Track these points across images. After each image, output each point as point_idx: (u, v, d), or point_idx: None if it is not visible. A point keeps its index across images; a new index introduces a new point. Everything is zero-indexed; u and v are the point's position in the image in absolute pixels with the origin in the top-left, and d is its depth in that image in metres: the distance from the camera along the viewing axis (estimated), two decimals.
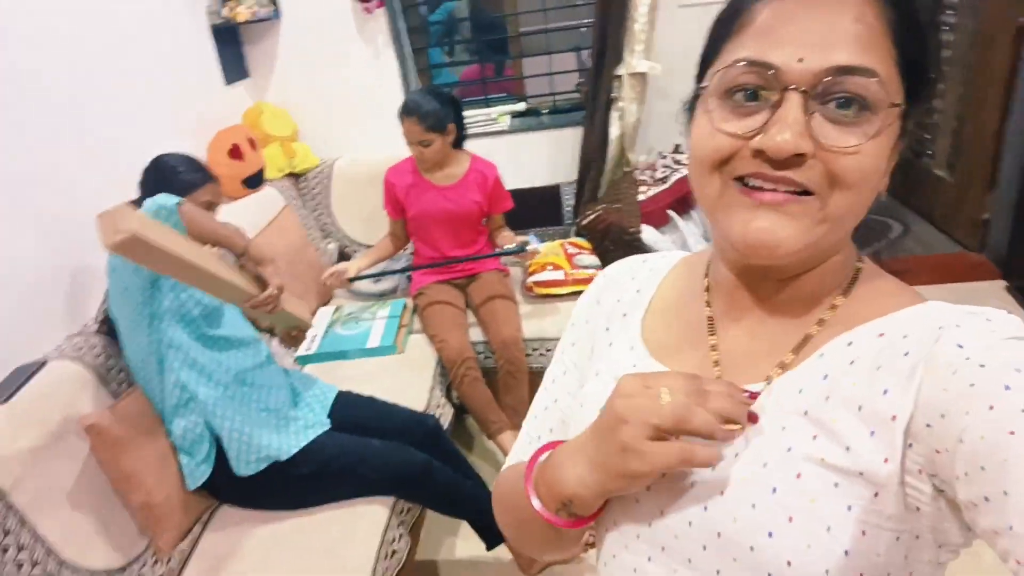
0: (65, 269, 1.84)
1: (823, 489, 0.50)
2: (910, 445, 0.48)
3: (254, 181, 2.69)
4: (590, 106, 2.77)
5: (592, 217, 2.70)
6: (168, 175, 1.79)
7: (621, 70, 2.69)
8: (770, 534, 0.51)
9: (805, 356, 0.56)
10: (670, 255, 0.76)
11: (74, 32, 2.01)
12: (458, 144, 2.46)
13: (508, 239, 2.47)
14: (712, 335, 0.64)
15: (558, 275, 2.54)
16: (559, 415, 0.75)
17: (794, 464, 0.52)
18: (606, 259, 2.67)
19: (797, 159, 0.50)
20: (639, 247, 2.61)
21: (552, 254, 2.63)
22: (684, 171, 2.66)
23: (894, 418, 0.49)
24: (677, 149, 2.76)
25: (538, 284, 2.53)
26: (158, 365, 1.67)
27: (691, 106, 0.60)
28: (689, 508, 0.57)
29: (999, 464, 0.42)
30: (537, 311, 2.49)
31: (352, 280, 2.48)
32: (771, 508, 0.52)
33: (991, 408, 0.43)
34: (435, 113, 2.28)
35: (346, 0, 2.85)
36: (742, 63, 0.52)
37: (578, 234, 2.82)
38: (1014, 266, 2.78)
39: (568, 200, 2.96)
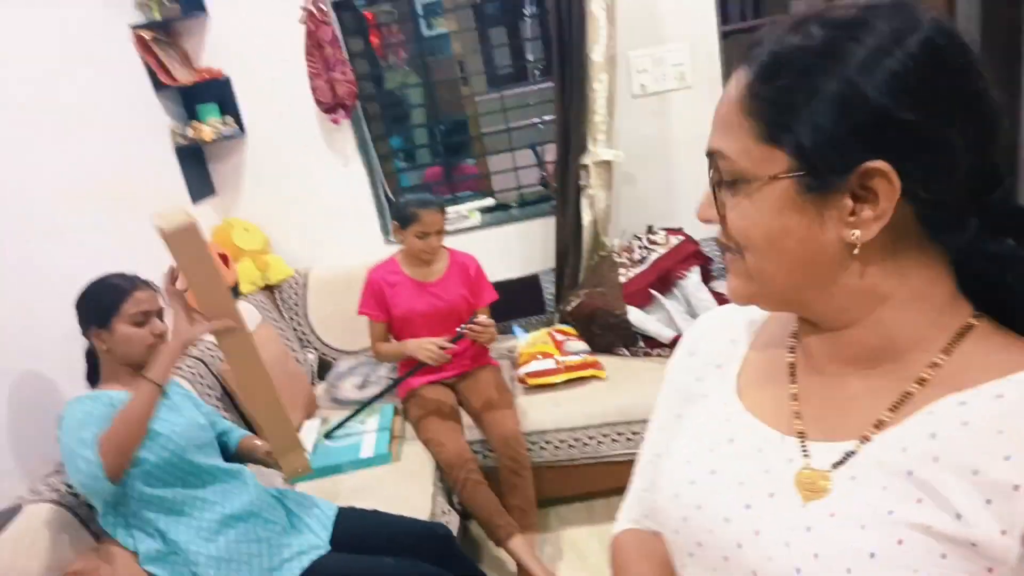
0: (36, 405, 1.72)
1: (928, 559, 0.48)
2: None
3: None
4: (560, 196, 2.82)
5: (576, 303, 2.69)
6: (85, 310, 1.63)
7: (586, 159, 2.77)
8: None
9: (908, 413, 0.54)
10: None
11: (43, 159, 1.98)
12: None
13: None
14: (793, 383, 0.64)
15: (549, 364, 2.49)
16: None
17: (895, 529, 0.50)
18: (594, 343, 2.65)
19: (720, 222, 0.58)
20: (626, 329, 2.60)
21: (540, 343, 2.59)
22: (661, 251, 2.70)
23: (1016, 488, 0.46)
24: (650, 230, 2.81)
25: (530, 375, 2.48)
26: (132, 518, 1.55)
27: None
28: (784, 570, 0.54)
29: None
30: (533, 404, 2.42)
31: (330, 433, 2.36)
32: (868, 575, 0.49)
33: None
34: (443, 200, 2.37)
35: (311, 114, 2.89)
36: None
37: (563, 321, 2.80)
38: None
39: (548, 288, 2.96)
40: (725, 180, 0.56)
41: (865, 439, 0.55)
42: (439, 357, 2.21)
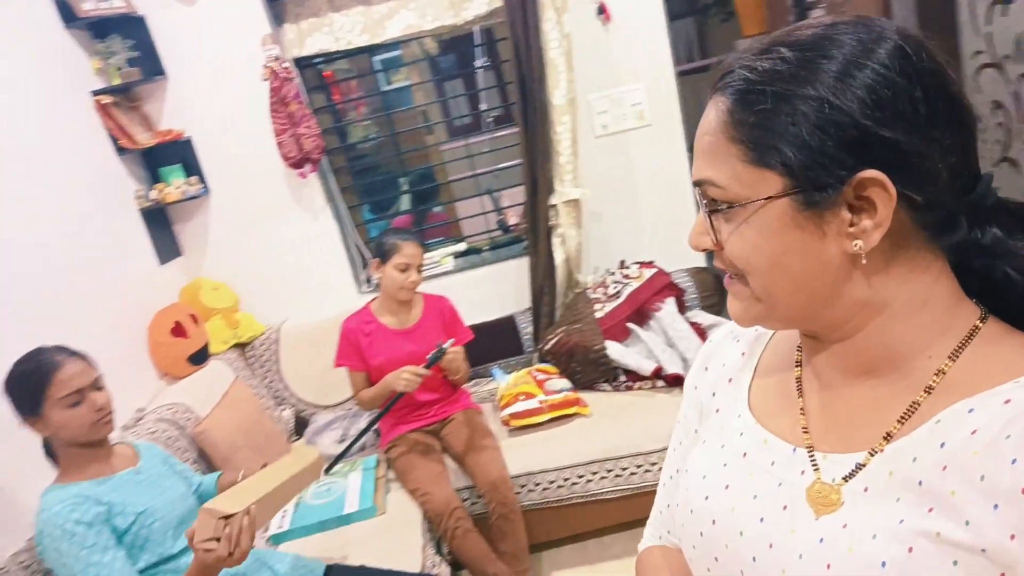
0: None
1: (938, 567, 0.48)
2: None
3: (199, 357, 2.56)
4: (532, 236, 2.85)
5: (554, 341, 2.69)
6: (13, 399, 1.46)
7: (555, 199, 2.81)
8: None
9: (918, 423, 0.53)
10: None
11: (5, 230, 1.94)
12: None
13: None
14: (800, 396, 0.63)
15: (532, 404, 2.47)
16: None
17: (906, 538, 0.50)
18: (576, 380, 2.64)
19: (715, 249, 0.58)
20: (605, 364, 2.60)
21: (522, 383, 2.57)
22: (635, 284, 2.73)
23: None
24: (623, 264, 2.84)
25: (514, 416, 2.45)
26: None
27: None
28: None
29: None
30: (518, 445, 2.39)
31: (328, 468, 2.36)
32: None
33: None
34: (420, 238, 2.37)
35: (276, 169, 2.89)
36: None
37: (542, 360, 2.79)
38: None
39: (525, 328, 2.95)
40: (719, 208, 0.56)
41: (875, 451, 0.55)
42: (414, 382, 2.17)
